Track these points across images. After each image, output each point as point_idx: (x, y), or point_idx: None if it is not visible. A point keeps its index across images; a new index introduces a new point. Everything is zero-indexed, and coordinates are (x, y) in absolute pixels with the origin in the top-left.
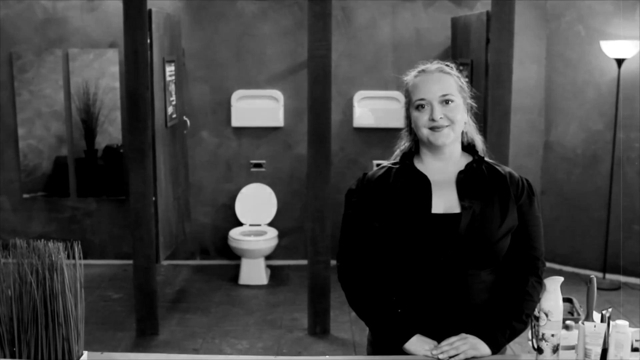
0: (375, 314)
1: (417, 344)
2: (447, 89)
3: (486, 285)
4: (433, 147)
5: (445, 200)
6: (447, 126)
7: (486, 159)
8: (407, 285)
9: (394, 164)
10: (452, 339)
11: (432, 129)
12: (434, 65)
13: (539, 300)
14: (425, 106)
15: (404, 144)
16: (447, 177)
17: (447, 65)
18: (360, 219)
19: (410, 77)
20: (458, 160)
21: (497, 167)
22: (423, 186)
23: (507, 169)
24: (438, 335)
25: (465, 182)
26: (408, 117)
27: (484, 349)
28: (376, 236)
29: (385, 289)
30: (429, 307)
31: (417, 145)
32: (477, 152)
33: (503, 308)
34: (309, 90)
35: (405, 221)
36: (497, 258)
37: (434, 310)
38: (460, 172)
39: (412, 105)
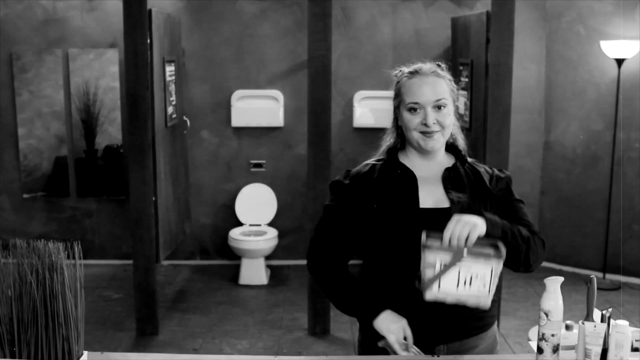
0: (344, 293)
1: (387, 321)
2: (441, 94)
3: None
4: (422, 150)
5: (432, 195)
6: (438, 131)
7: (467, 158)
8: (397, 280)
9: (378, 160)
10: (450, 226)
11: (423, 133)
12: (428, 66)
13: (537, 248)
14: (418, 110)
15: (389, 140)
16: (432, 173)
17: (439, 66)
18: (340, 211)
19: (401, 75)
20: (442, 159)
21: (475, 165)
22: (409, 181)
23: (483, 165)
24: (430, 329)
25: (450, 178)
26: (396, 115)
27: (481, 224)
28: (353, 232)
29: (352, 275)
30: (421, 302)
31: (402, 141)
32: (459, 151)
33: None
34: (309, 90)
35: (394, 216)
36: None
37: (427, 306)
38: (447, 170)
39: (404, 106)
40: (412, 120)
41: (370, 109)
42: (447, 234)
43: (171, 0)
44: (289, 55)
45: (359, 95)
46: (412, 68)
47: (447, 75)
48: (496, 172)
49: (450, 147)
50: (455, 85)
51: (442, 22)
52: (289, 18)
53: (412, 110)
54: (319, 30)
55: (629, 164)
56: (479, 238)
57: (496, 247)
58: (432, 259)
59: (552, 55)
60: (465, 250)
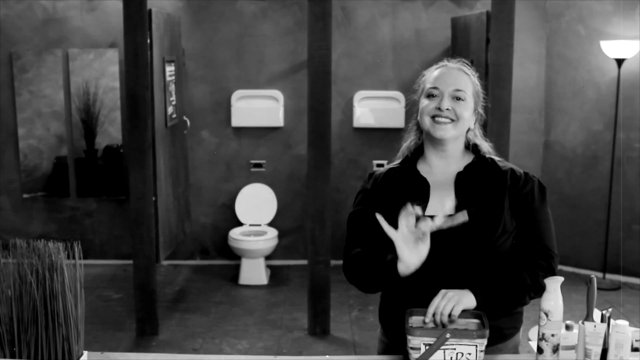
0: (371, 266)
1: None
2: (462, 86)
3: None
4: (433, 140)
5: (441, 203)
6: (451, 121)
7: (491, 156)
8: (408, 282)
9: (398, 164)
10: (435, 301)
11: (434, 118)
12: (456, 61)
13: (541, 288)
14: (436, 95)
15: (410, 141)
16: (447, 177)
17: (467, 65)
18: (365, 214)
19: (427, 71)
20: (460, 159)
21: (500, 163)
22: (421, 189)
23: (510, 165)
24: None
25: (462, 183)
26: (417, 109)
27: (468, 300)
28: (379, 233)
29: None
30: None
31: (422, 144)
32: (479, 151)
33: (496, 273)
34: (309, 90)
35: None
36: (496, 259)
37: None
38: (459, 173)
39: (424, 92)
40: (428, 105)
41: (370, 109)
42: (431, 309)
43: (171, 0)
44: (289, 55)
45: (359, 95)
46: (440, 63)
47: (473, 75)
48: (522, 173)
49: (473, 149)
50: (481, 90)
51: (442, 22)
52: (289, 18)
53: (430, 96)
54: (319, 30)
55: (629, 164)
56: (464, 311)
57: (480, 321)
58: (417, 343)
59: (552, 55)
60: (449, 334)
